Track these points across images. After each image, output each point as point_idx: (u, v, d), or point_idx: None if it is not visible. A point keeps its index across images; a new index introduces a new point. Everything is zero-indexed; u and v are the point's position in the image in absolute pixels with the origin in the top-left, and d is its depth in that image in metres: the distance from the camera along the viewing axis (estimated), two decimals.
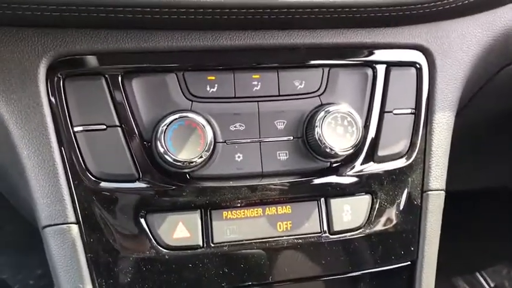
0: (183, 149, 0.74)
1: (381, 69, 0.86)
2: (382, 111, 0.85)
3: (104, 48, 0.74)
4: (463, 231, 1.61)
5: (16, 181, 0.83)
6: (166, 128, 0.74)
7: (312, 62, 0.83)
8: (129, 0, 0.67)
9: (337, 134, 0.79)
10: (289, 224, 0.82)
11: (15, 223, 1.48)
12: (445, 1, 0.80)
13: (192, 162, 0.74)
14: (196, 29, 0.77)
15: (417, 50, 0.87)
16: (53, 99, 0.74)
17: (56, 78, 0.74)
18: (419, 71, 0.87)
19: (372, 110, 0.85)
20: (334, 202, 0.83)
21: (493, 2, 0.89)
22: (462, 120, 0.99)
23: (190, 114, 0.75)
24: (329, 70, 0.83)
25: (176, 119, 0.74)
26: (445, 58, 0.88)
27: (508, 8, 0.93)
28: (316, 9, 0.74)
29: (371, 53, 0.85)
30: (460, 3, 0.81)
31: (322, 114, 0.79)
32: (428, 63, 0.88)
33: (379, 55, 0.86)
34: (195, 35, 0.77)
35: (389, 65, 0.86)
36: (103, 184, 0.76)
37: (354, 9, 0.76)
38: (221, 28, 0.77)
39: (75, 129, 0.75)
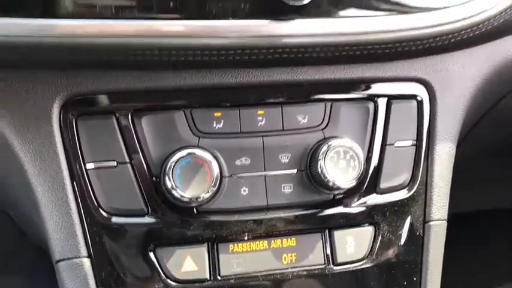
0: (190, 185, 0.77)
1: (382, 102, 0.88)
2: (384, 144, 0.87)
3: (115, 87, 0.78)
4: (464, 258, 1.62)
5: (30, 213, 0.86)
6: (174, 165, 0.77)
7: (315, 97, 0.86)
8: (141, 45, 0.71)
9: (339, 167, 0.81)
10: (294, 256, 0.84)
11: (27, 248, 1.51)
12: (446, 36, 0.82)
13: (199, 198, 0.77)
14: (203, 68, 0.80)
15: (418, 82, 0.90)
16: (66, 138, 0.77)
17: (68, 118, 0.77)
18: (420, 103, 0.90)
19: (373, 143, 0.87)
20: (338, 234, 0.85)
21: (492, 36, 0.91)
22: (463, 147, 1.01)
23: (197, 151, 0.78)
24: (331, 104, 0.86)
25: (184, 156, 0.77)
26: (445, 90, 0.90)
27: (506, 39, 0.95)
28: (318, 49, 0.77)
29: (372, 87, 0.88)
30: (460, 38, 0.84)
31: (325, 148, 0.82)
32: (429, 96, 0.90)
33: (380, 89, 0.88)
34: (201, 74, 0.80)
35: (390, 98, 0.89)
36: (114, 219, 0.79)
37: (357, 48, 0.79)
38: (227, 66, 0.80)
39: (87, 166, 0.78)
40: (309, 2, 0.71)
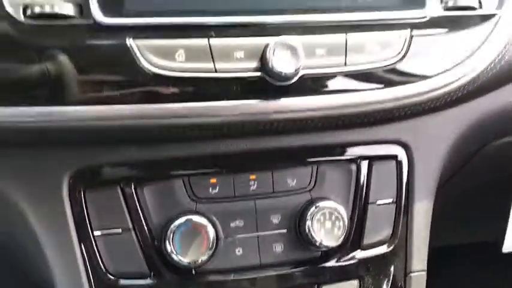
0: (189, 250, 0.84)
1: (364, 163, 0.96)
2: (366, 203, 0.95)
3: (118, 160, 0.85)
4: None
5: (42, 272, 0.93)
6: (174, 231, 0.84)
7: (302, 161, 0.93)
8: (144, 126, 0.79)
9: (326, 227, 0.89)
10: None
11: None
12: (424, 104, 0.90)
13: (197, 261, 0.84)
14: (199, 140, 0.87)
15: (396, 144, 0.97)
16: (75, 209, 0.84)
17: (77, 189, 0.84)
18: (398, 163, 0.98)
19: (357, 202, 0.95)
20: None
21: (466, 99, 0.98)
22: (446, 188, 1.09)
23: (194, 218, 0.85)
24: (317, 167, 0.94)
25: (183, 222, 0.84)
26: (422, 150, 0.98)
27: (477, 100, 1.03)
28: (304, 122, 0.85)
29: (355, 150, 0.95)
30: (439, 104, 0.92)
31: (312, 209, 0.89)
32: (407, 156, 0.98)
33: (362, 151, 0.96)
34: (198, 144, 0.87)
35: (372, 159, 0.96)
36: (120, 282, 0.86)
37: (341, 119, 0.87)
38: (221, 138, 0.88)
39: (95, 233, 0.85)
40: (293, 83, 0.80)
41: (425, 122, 0.98)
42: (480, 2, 0.92)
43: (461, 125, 1.02)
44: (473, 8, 0.91)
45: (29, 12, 0.74)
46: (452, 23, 0.89)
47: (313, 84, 0.82)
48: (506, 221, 1.54)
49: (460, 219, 1.67)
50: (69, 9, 0.74)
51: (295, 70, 0.78)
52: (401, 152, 0.98)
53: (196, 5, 0.79)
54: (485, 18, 0.91)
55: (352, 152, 0.95)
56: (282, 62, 0.77)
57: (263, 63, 0.78)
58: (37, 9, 0.74)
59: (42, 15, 0.74)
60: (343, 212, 0.90)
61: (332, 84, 0.83)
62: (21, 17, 0.74)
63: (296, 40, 0.79)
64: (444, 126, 1.00)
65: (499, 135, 1.14)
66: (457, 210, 1.55)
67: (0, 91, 0.74)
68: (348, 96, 0.84)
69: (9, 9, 0.74)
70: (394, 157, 0.97)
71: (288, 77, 0.78)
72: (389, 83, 0.86)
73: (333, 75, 0.83)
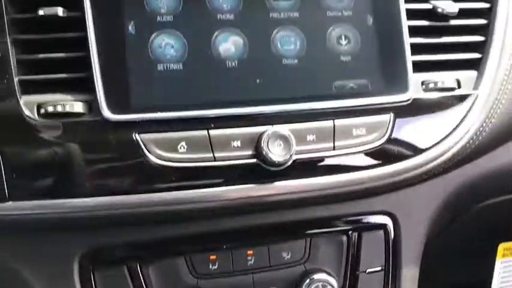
0: None
1: (354, 234, 1.02)
2: (357, 272, 1.01)
3: (124, 240, 0.91)
4: None
5: None
6: None
7: (297, 234, 1.00)
8: (150, 212, 0.85)
9: None
10: None
11: None
12: (410, 179, 0.97)
13: None
14: (200, 219, 0.94)
15: (384, 214, 1.04)
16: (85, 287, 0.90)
17: (86, 269, 0.90)
18: (386, 232, 1.04)
19: (347, 272, 1.01)
20: None
21: (452, 168, 1.04)
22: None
23: None
24: (310, 240, 1.00)
25: None
26: (407, 218, 1.05)
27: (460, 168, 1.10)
28: (298, 202, 0.92)
29: (345, 222, 1.02)
30: (423, 178, 0.99)
31: (307, 281, 0.96)
32: (393, 224, 1.05)
33: (351, 223, 1.03)
34: (199, 223, 0.94)
35: (361, 229, 1.03)
36: None
37: (332, 197, 0.94)
38: (221, 217, 0.94)
39: None
40: (286, 167, 0.86)
41: (411, 191, 1.04)
42: (459, 83, 1.00)
43: (446, 191, 1.09)
44: (452, 89, 0.98)
45: (42, 111, 0.81)
46: (433, 103, 0.97)
47: (305, 167, 0.88)
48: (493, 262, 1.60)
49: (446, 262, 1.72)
50: (79, 107, 0.81)
51: (288, 158, 0.85)
52: (388, 221, 1.04)
53: (196, 98, 0.85)
54: (464, 97, 0.99)
55: (343, 223, 1.02)
56: (276, 151, 0.84)
57: (258, 152, 0.85)
58: (50, 109, 0.81)
59: (55, 114, 0.81)
60: (335, 284, 0.96)
61: (322, 167, 0.90)
62: (36, 116, 0.81)
63: (288, 129, 0.86)
64: (429, 194, 1.07)
65: (482, 198, 1.21)
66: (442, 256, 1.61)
67: (21, 186, 0.80)
68: (337, 177, 0.91)
69: (25, 109, 0.80)
70: (382, 226, 1.04)
71: (281, 164, 0.85)
72: (375, 163, 0.92)
73: (322, 159, 0.89)
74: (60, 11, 0.82)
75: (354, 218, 1.02)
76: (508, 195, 1.24)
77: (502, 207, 1.26)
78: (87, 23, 0.82)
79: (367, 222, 1.03)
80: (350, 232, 1.02)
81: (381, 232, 1.04)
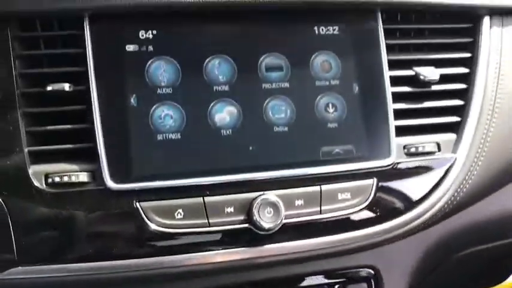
0: None
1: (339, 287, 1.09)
2: None
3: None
4: None
5: None
6: None
7: None
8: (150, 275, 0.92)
9: None
10: None
11: None
12: (393, 238, 1.04)
13: None
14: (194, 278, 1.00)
15: (367, 268, 1.11)
16: None
17: None
18: (369, 285, 1.11)
19: None
20: None
21: (433, 224, 1.10)
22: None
23: None
24: None
25: None
26: (389, 270, 1.12)
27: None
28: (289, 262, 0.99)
29: (332, 276, 1.09)
30: (407, 235, 1.05)
31: None
32: (376, 277, 1.11)
33: (337, 276, 1.09)
34: (194, 280, 1.00)
35: (346, 283, 1.10)
36: None
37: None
38: (213, 275, 1.00)
39: None
40: (276, 231, 0.93)
41: (393, 245, 1.09)
42: (439, 146, 1.06)
43: (426, 243, 1.16)
44: (433, 153, 1.05)
45: (50, 180, 0.87)
46: (414, 167, 1.03)
47: (293, 231, 0.95)
48: None
49: None
50: (84, 177, 0.88)
51: (277, 223, 0.91)
52: (371, 273, 1.11)
53: (192, 166, 0.91)
54: (444, 160, 1.05)
55: (330, 277, 1.09)
56: (266, 218, 0.90)
57: (249, 217, 0.91)
58: (57, 179, 0.87)
59: (62, 184, 0.87)
60: None
61: (309, 230, 0.96)
62: (44, 186, 0.87)
63: (277, 195, 0.93)
64: (410, 247, 1.14)
65: (462, 247, 1.28)
66: None
67: (29, 251, 0.87)
68: (323, 239, 0.97)
69: (34, 180, 0.87)
70: (366, 279, 1.11)
71: (270, 229, 0.91)
72: (359, 225, 0.99)
73: (310, 223, 0.96)
74: (66, 86, 0.88)
75: (338, 272, 1.09)
76: (487, 244, 1.30)
77: (482, 254, 1.32)
78: (91, 96, 0.88)
79: (351, 277, 1.10)
80: (336, 285, 1.09)
81: (365, 284, 1.10)
